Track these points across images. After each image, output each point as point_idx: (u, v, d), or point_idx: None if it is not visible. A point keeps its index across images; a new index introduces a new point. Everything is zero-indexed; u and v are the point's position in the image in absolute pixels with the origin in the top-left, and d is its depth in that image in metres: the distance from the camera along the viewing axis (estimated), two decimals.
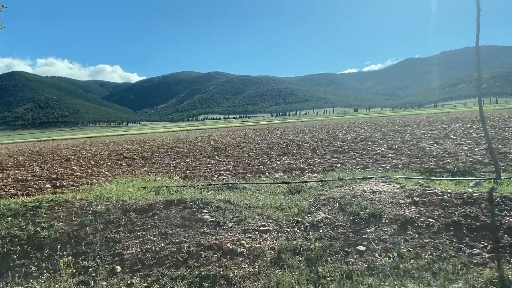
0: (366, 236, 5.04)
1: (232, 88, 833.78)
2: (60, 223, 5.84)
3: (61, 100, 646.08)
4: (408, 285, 3.98)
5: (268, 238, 5.34)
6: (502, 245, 4.55)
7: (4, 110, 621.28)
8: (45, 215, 6.35)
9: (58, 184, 10.19)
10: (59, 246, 5.40)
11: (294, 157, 14.10)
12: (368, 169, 9.46)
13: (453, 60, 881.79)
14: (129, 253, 5.14)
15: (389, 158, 11.43)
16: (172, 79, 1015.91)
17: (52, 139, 73.32)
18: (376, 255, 4.58)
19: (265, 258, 4.79)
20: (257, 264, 4.71)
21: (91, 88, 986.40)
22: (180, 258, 4.93)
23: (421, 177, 7.47)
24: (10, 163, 19.50)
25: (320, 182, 7.83)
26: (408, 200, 5.79)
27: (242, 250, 4.99)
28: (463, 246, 4.64)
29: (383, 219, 5.35)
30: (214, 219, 5.84)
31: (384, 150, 14.15)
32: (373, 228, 5.17)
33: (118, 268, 4.87)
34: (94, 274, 4.76)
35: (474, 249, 4.54)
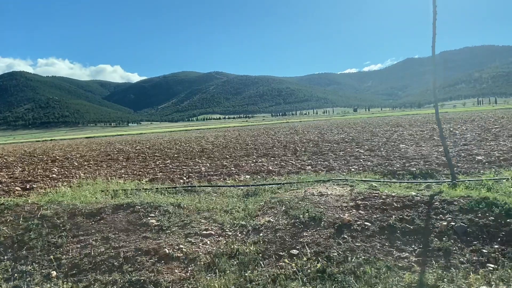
0: (302, 239, 5.05)
1: (232, 88, 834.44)
2: (6, 227, 5.86)
3: (62, 100, 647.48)
4: None
5: (208, 242, 5.35)
6: (430, 249, 4.57)
7: (5, 110, 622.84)
8: None
9: (28, 187, 10.21)
10: (1, 250, 5.43)
11: (272, 158, 14.12)
12: (333, 171, 9.45)
13: (453, 60, 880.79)
14: (68, 257, 5.15)
15: (361, 160, 11.44)
16: (172, 79, 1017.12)
17: (51, 139, 73.33)
18: (305, 259, 4.60)
19: (199, 263, 4.80)
20: (189, 269, 4.71)
21: (92, 88, 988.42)
22: (115, 263, 4.93)
23: (374, 180, 7.49)
24: None
25: (278, 185, 7.84)
26: (351, 204, 5.81)
27: (178, 254, 4.99)
28: (393, 249, 4.65)
29: (322, 222, 5.36)
30: (159, 223, 5.85)
31: (362, 151, 14.16)
32: (310, 232, 5.18)
33: (54, 273, 4.88)
34: (28, 279, 4.79)
35: (403, 253, 4.56)
